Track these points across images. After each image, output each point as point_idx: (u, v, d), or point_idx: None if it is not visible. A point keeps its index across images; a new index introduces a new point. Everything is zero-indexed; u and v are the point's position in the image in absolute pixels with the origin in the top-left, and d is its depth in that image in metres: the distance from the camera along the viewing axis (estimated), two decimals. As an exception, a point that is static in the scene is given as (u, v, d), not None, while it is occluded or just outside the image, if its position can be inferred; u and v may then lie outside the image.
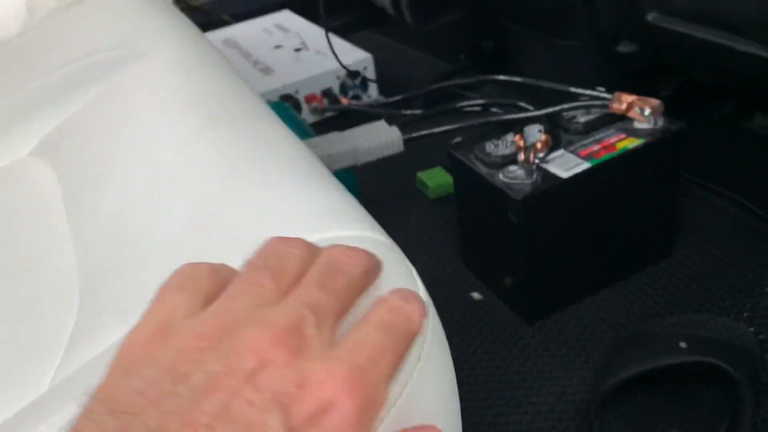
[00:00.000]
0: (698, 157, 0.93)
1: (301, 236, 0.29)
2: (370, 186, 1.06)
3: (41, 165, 0.55)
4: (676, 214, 0.82)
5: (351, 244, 0.28)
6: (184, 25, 0.75)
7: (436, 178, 1.01)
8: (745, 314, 0.73)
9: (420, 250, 0.91)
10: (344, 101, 1.19)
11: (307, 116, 1.21)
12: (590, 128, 0.74)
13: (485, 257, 0.81)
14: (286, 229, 0.38)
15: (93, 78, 0.67)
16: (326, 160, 0.75)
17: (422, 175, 1.02)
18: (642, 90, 1.07)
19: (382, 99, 1.24)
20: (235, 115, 0.52)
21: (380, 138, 0.76)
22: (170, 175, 0.45)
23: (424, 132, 0.80)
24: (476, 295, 0.82)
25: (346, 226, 0.38)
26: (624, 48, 0.96)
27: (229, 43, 1.40)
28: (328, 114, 1.20)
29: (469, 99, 0.98)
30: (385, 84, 1.29)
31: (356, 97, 1.24)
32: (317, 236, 0.37)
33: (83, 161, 0.53)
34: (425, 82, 1.27)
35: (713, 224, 0.85)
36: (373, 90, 1.25)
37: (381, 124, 0.80)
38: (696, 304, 0.76)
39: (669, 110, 1.07)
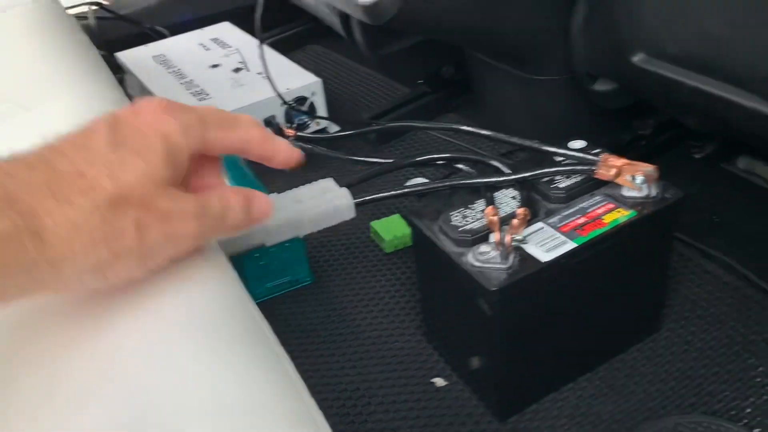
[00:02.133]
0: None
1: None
2: (316, 234, 0.94)
3: None
4: (666, 285, 0.72)
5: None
6: (84, 65, 0.61)
7: (393, 230, 0.89)
8: (748, 410, 0.64)
9: (375, 317, 0.80)
10: (289, 132, 1.05)
11: (248, 147, 1.08)
12: (572, 195, 0.64)
13: (450, 338, 0.70)
14: None
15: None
16: (262, 233, 0.63)
17: (377, 225, 0.90)
18: (618, 128, 0.98)
19: (332, 131, 1.12)
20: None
21: (328, 205, 0.64)
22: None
23: (382, 194, 0.68)
24: (440, 381, 0.70)
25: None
26: (601, 86, 0.86)
27: (160, 59, 1.25)
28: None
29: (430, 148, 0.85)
30: (333, 107, 1.16)
31: (303, 126, 1.11)
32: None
33: None
34: (379, 110, 1.16)
35: (703, 293, 0.76)
36: (321, 116, 1.12)
37: (329, 184, 0.68)
38: (690, 395, 0.66)
39: (647, 151, 0.99)
